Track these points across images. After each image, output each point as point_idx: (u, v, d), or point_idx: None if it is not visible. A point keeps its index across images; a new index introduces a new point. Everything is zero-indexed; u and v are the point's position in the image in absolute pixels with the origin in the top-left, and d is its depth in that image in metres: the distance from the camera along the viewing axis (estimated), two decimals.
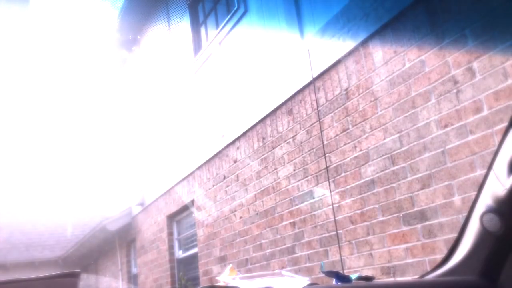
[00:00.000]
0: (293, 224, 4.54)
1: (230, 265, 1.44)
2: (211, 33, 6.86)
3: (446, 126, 3.02)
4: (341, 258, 3.83)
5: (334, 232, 3.96)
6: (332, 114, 4.08)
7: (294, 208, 4.53)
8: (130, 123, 10.41)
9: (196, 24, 7.39)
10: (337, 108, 4.01)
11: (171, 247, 7.87)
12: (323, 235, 4.10)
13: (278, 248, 4.76)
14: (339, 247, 3.86)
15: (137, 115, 9.85)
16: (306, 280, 1.19)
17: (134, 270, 9.87)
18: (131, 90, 10.15)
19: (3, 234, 11.60)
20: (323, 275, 3.26)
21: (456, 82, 2.96)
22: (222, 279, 1.25)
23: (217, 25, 6.62)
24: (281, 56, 4.90)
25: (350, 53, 3.87)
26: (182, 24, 7.63)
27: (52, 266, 10.50)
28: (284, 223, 4.69)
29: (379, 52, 3.58)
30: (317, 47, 4.26)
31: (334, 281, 1.35)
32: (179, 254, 7.77)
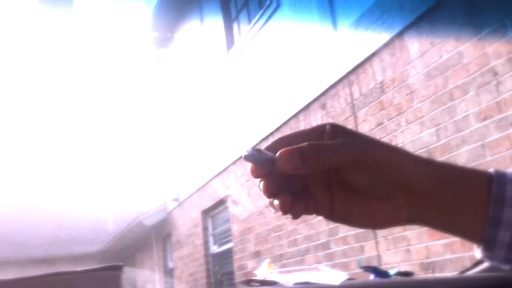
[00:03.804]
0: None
1: (268, 259, 1.45)
2: (243, 29, 6.87)
3: (485, 118, 2.94)
4: (377, 254, 3.79)
5: None
6: (366, 108, 4.03)
7: None
8: (166, 119, 10.56)
9: (228, 20, 7.42)
10: (372, 102, 3.96)
11: (206, 242, 7.95)
12: (359, 231, 4.06)
13: (313, 244, 4.75)
14: (376, 243, 3.82)
15: (173, 111, 9.98)
16: (344, 275, 1.18)
17: (170, 264, 10.03)
18: (166, 86, 10.28)
19: (46, 230, 11.99)
20: (359, 271, 3.24)
21: (495, 74, 2.87)
22: (259, 274, 1.26)
23: (250, 21, 6.63)
24: (314, 50, 4.87)
25: (385, 45, 3.81)
26: (214, 20, 7.68)
27: (91, 260, 10.79)
28: (319, 218, 4.67)
29: (415, 44, 3.51)
30: (351, 40, 4.21)
31: (372, 277, 1.34)
32: (214, 249, 7.85)
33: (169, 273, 10.03)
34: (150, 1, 8.86)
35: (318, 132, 0.52)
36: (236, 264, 6.61)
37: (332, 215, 0.54)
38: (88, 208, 13.89)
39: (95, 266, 1.04)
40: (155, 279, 10.44)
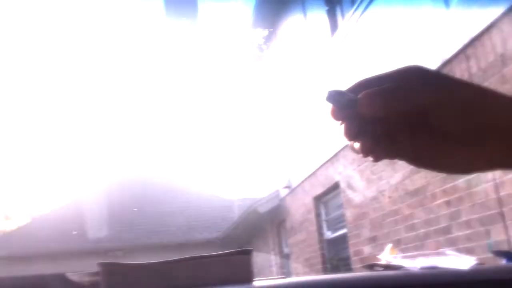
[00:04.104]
0: (448, 203, 4.31)
1: (390, 244, 1.44)
2: (347, 12, 6.73)
3: None
4: (507, 238, 3.54)
5: (496, 211, 3.67)
6: (486, 83, 3.76)
7: (448, 185, 4.29)
8: (275, 108, 10.74)
9: (331, 3, 7.31)
10: (492, 76, 3.68)
11: (319, 228, 7.99)
12: (484, 214, 3.82)
13: (433, 228, 4.57)
14: (505, 226, 3.57)
15: (282, 99, 10.12)
16: (472, 260, 1.14)
17: (286, 250, 10.24)
18: (273, 76, 10.44)
19: (170, 218, 12.87)
20: (487, 256, 3.05)
21: None
22: (383, 258, 1.26)
23: (353, 3, 6.48)
24: (424, 26, 4.64)
25: (504, 14, 3.51)
26: (316, 6, 7.62)
27: (211, 246, 11.38)
28: (437, 201, 4.47)
29: None
30: (465, 13, 3.94)
31: (504, 261, 1.28)
32: (328, 234, 7.87)
33: (285, 258, 10.25)
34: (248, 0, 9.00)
35: (403, 75, 0.50)
36: (351, 250, 6.56)
37: (416, 160, 0.51)
38: (205, 197, 14.65)
39: (227, 251, 1.12)
40: (272, 264, 10.73)
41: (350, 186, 6.56)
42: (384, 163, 5.43)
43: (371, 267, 1.27)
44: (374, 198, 5.75)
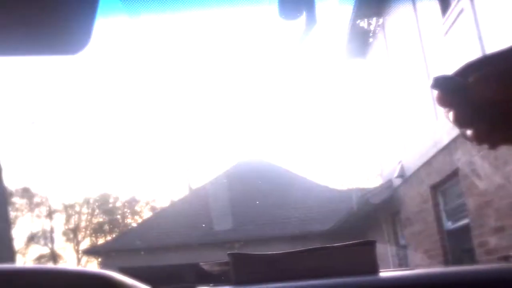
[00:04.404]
0: None
1: None
2: None
3: None
4: None
5: None
6: None
7: None
8: (385, 94, 10.44)
9: None
10: None
11: (438, 218, 7.61)
12: None
13: None
14: None
15: (392, 85, 9.81)
16: None
17: (402, 241, 9.91)
18: (382, 63, 10.15)
19: (283, 210, 13.09)
20: None
21: None
22: None
23: None
24: None
25: None
26: None
27: (323, 238, 11.36)
28: None
29: None
30: None
31: None
32: (448, 225, 7.47)
33: (402, 250, 9.92)
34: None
35: None
36: (475, 241, 6.17)
37: None
38: (316, 189, 14.68)
39: (350, 242, 1.12)
40: (389, 256, 10.44)
41: (471, 173, 6.15)
42: (509, 147, 5.02)
43: (507, 258, 1.20)
44: (500, 185, 5.34)
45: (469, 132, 0.46)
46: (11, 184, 23.87)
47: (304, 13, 0.81)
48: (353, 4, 8.90)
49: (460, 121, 0.46)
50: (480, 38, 5.63)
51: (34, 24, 0.63)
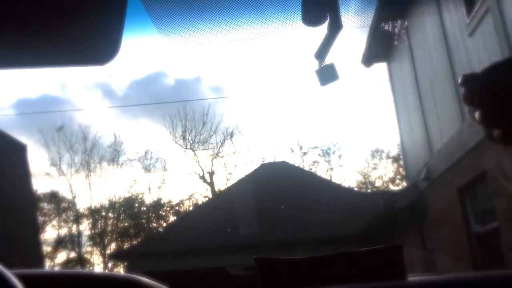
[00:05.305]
0: None
1: None
2: None
3: None
4: None
5: None
6: None
7: None
8: (410, 95, 10.32)
9: None
10: None
11: (466, 221, 7.47)
12: None
13: None
14: None
15: (417, 85, 9.70)
16: None
17: (429, 244, 9.75)
18: (406, 63, 10.05)
19: (308, 215, 13.02)
20: None
21: None
22: None
23: None
24: None
25: None
26: None
27: (348, 242, 11.23)
28: None
29: None
30: None
31: None
32: (477, 228, 7.31)
33: (429, 253, 9.76)
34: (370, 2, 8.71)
35: None
36: (505, 245, 6.02)
37: None
38: (341, 192, 14.58)
39: (377, 246, 1.12)
40: (415, 259, 10.29)
41: (500, 175, 6.02)
42: None
43: None
44: None
45: (495, 132, 0.45)
46: (39, 189, 24.36)
47: (328, 19, 0.81)
48: (375, 7, 8.84)
49: (486, 121, 0.44)
50: (507, 38, 5.52)
51: (65, 36, 0.65)
